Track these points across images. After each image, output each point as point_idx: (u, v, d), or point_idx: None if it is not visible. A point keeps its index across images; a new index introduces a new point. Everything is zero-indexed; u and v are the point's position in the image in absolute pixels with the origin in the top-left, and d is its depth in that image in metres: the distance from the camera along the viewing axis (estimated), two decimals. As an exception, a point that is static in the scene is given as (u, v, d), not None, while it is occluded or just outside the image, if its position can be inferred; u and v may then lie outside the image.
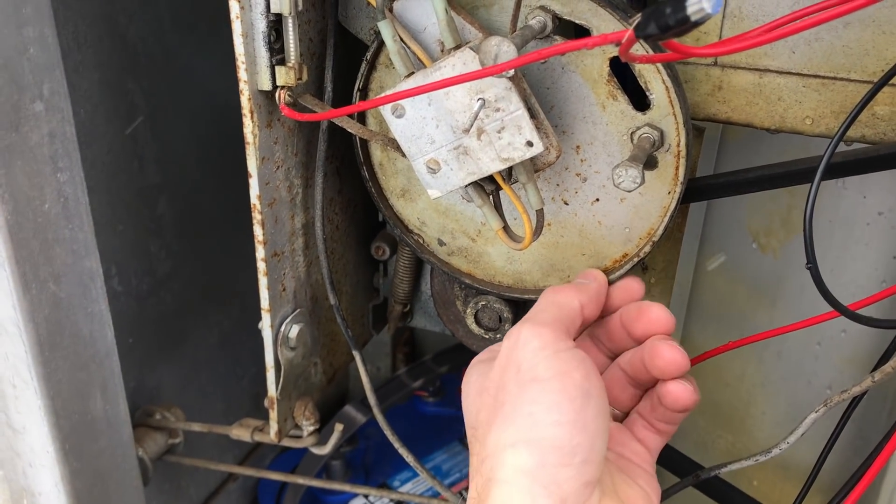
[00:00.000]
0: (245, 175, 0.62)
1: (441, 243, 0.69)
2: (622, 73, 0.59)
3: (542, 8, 0.56)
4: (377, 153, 0.67)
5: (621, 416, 0.60)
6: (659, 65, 0.56)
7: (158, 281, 0.88)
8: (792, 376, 1.12)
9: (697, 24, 0.36)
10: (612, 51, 0.57)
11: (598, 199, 0.62)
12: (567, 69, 0.58)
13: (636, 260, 0.62)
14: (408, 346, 1.30)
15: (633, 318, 0.58)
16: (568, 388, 0.47)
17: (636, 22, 0.39)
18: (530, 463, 0.45)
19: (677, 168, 0.58)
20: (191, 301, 0.93)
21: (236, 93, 0.59)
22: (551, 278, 0.67)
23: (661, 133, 0.58)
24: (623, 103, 0.58)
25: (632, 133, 0.58)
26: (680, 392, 0.54)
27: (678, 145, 0.58)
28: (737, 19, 0.58)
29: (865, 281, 1.03)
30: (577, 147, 0.61)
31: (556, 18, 0.57)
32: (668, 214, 0.60)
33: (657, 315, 0.56)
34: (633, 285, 0.61)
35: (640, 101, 0.58)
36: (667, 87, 0.56)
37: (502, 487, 0.46)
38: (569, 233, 0.64)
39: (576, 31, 0.61)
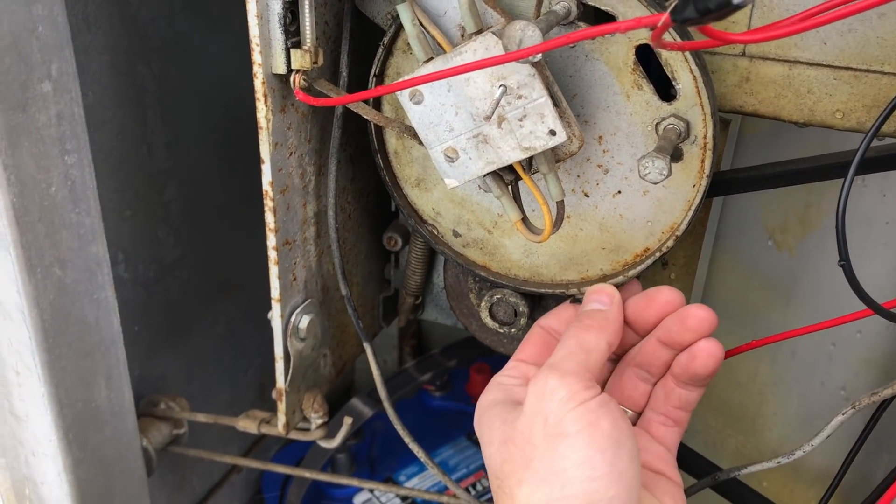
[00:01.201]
0: (257, 161, 0.61)
1: (456, 234, 0.67)
2: (646, 61, 0.57)
3: None
4: (392, 141, 0.66)
5: (635, 418, 0.59)
6: (687, 53, 0.54)
7: (166, 268, 0.86)
8: (805, 376, 1.10)
9: (739, 7, 0.35)
10: (638, 38, 0.55)
11: (619, 192, 0.60)
12: (591, 57, 0.56)
13: (658, 255, 0.61)
14: (415, 339, 1.29)
15: (641, 307, 0.56)
16: (598, 439, 0.46)
17: (673, 5, 0.37)
18: None
19: (703, 161, 0.57)
20: (198, 289, 0.92)
21: (249, 77, 0.57)
22: (569, 272, 0.65)
23: (688, 124, 0.56)
24: (648, 93, 0.56)
25: (657, 124, 0.57)
26: (712, 348, 0.54)
27: (705, 137, 0.56)
28: (766, 9, 0.56)
29: (884, 280, 1.01)
30: (600, 137, 0.59)
31: (581, 4, 0.55)
32: (693, 209, 0.58)
33: (668, 298, 0.55)
34: (633, 287, 0.60)
35: (665, 90, 0.57)
36: (694, 76, 0.55)
37: None
38: (589, 226, 0.63)
39: (595, 17, 0.59)
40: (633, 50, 0.55)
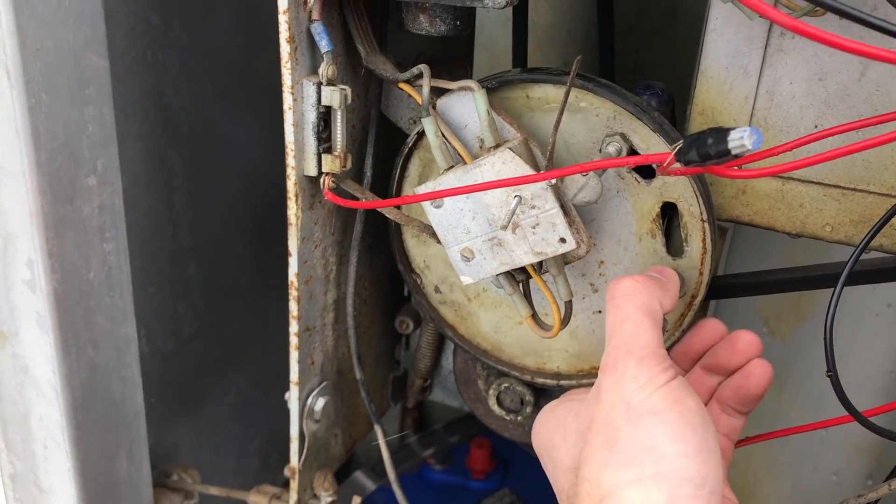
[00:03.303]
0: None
1: (437, 291, 0.71)
2: (668, 216, 0.62)
3: (623, 136, 0.58)
4: (409, 183, 0.68)
5: None
6: (706, 224, 0.59)
7: (183, 341, 0.90)
8: (798, 461, 1.13)
9: (737, 157, 0.39)
10: (668, 197, 0.60)
11: (600, 311, 0.65)
12: (622, 195, 0.61)
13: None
14: (417, 411, 1.31)
15: (688, 339, 0.58)
16: (687, 416, 0.44)
17: (678, 147, 0.42)
18: (661, 499, 0.43)
19: (683, 315, 0.61)
20: (212, 362, 0.95)
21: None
22: (528, 359, 0.70)
23: (683, 282, 0.61)
24: (659, 244, 0.61)
25: None
26: (765, 366, 0.55)
27: (693, 297, 0.61)
28: (762, 128, 0.61)
29: (874, 370, 1.05)
30: (602, 262, 0.63)
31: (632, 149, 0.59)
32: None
33: (713, 327, 0.57)
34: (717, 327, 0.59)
35: (676, 246, 0.62)
36: (705, 248, 0.59)
37: None
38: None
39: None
40: (661, 204, 0.60)
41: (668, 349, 0.60)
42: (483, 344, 0.71)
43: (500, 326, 0.70)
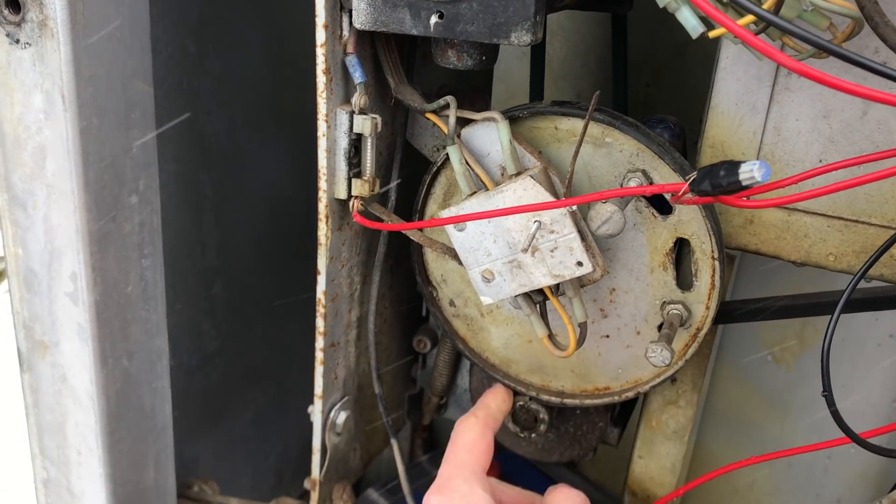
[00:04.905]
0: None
1: (452, 304, 0.74)
2: (681, 253, 0.65)
3: (644, 172, 0.62)
4: (433, 207, 0.71)
5: None
6: (716, 262, 0.62)
7: (206, 357, 0.93)
8: (801, 488, 1.14)
9: (747, 188, 0.42)
10: (682, 233, 0.63)
11: (607, 336, 0.68)
12: (638, 228, 0.64)
13: (617, 398, 0.69)
14: (426, 432, 1.33)
15: None
16: None
17: (692, 178, 0.45)
18: None
19: (687, 346, 0.65)
20: (232, 378, 0.98)
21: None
22: (534, 376, 0.73)
23: (690, 314, 0.64)
24: (670, 276, 0.64)
25: (664, 302, 0.64)
26: None
27: (698, 329, 0.64)
28: (769, 162, 0.64)
29: (876, 399, 1.07)
30: (613, 290, 0.67)
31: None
32: (661, 377, 0.65)
33: None
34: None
35: (685, 279, 0.65)
36: (713, 284, 0.63)
37: None
38: (570, 349, 0.69)
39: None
40: (674, 239, 0.63)
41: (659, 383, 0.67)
42: (492, 358, 0.74)
43: (509, 343, 0.73)
